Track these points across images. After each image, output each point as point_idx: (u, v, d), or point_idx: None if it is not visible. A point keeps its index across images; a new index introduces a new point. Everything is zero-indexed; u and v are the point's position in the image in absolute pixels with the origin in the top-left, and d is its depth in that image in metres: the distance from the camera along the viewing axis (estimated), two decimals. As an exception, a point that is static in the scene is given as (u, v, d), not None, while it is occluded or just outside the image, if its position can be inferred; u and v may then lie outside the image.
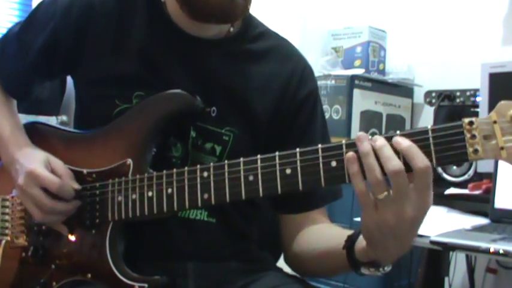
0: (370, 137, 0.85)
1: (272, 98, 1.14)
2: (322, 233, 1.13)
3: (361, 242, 0.95)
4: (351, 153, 0.85)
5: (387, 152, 0.82)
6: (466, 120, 0.81)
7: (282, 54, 1.18)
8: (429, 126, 0.83)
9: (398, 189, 0.82)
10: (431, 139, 0.83)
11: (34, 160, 1.08)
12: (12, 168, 1.11)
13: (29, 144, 1.15)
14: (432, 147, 0.82)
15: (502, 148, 0.80)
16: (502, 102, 0.80)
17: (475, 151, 0.81)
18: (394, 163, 0.81)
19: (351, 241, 0.98)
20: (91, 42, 1.11)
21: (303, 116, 1.16)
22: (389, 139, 0.84)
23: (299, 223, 1.15)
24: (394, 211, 0.83)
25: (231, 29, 1.15)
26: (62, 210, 1.06)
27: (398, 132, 0.85)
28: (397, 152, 0.83)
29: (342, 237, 1.00)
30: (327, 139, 1.20)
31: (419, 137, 0.83)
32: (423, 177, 0.81)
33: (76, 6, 1.12)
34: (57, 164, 1.09)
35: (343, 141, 0.87)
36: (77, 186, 1.08)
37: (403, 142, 0.82)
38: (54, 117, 2.68)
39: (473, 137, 0.81)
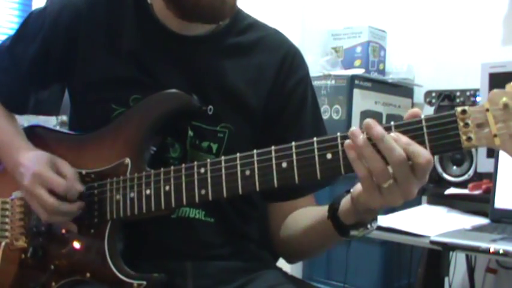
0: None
1: (264, 89, 1.14)
2: (305, 212, 1.14)
3: (343, 206, 0.98)
4: (347, 141, 0.86)
5: (387, 142, 0.83)
6: (459, 109, 0.82)
7: (272, 44, 1.18)
8: (422, 116, 0.84)
9: (403, 175, 0.83)
10: (425, 128, 0.83)
11: (39, 162, 1.08)
12: (16, 171, 1.11)
13: (31, 148, 1.14)
14: (426, 137, 0.83)
15: (495, 135, 0.80)
16: (495, 90, 0.81)
17: (469, 139, 0.81)
18: (397, 153, 0.82)
19: (333, 209, 1.00)
20: (83, 47, 1.12)
21: (293, 105, 1.16)
22: (386, 129, 0.84)
23: (286, 210, 1.16)
24: (401, 192, 0.85)
25: (220, 22, 1.14)
26: (66, 210, 1.06)
27: (392, 123, 0.85)
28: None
29: (325, 209, 1.02)
30: (320, 127, 1.20)
31: (413, 127, 0.84)
32: (426, 169, 0.83)
33: (64, 15, 1.12)
34: (63, 164, 1.09)
35: (338, 134, 0.88)
36: (80, 187, 1.07)
37: (402, 140, 0.83)
38: (54, 117, 2.68)
39: (466, 125, 0.81)
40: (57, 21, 1.13)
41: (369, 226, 0.98)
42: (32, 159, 1.09)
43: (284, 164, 0.91)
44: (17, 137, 1.17)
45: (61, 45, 1.13)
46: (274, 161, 0.92)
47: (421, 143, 0.83)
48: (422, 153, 0.82)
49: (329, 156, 0.88)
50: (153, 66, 1.11)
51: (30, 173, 1.07)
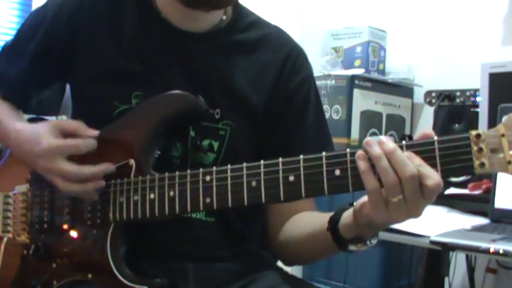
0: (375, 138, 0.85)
1: (267, 88, 1.14)
2: (306, 219, 1.13)
3: (344, 219, 0.97)
4: (360, 151, 0.85)
5: (400, 156, 0.82)
6: (474, 132, 0.80)
7: (275, 43, 1.17)
8: (435, 138, 0.82)
9: (413, 192, 0.82)
10: (437, 151, 0.82)
11: (41, 138, 1.04)
12: (25, 154, 1.08)
13: (26, 125, 1.12)
14: (438, 160, 0.82)
15: (509, 162, 0.79)
16: (511, 115, 0.79)
17: (482, 164, 0.80)
18: (409, 168, 0.81)
19: (334, 221, 0.99)
20: (84, 41, 1.11)
21: (295, 105, 1.15)
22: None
23: (286, 212, 1.15)
24: (408, 211, 0.84)
25: (224, 17, 1.14)
26: (89, 173, 1.02)
27: (404, 142, 0.84)
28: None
29: (325, 219, 1.01)
30: (323, 129, 1.19)
31: (425, 148, 0.82)
32: (435, 192, 0.82)
33: (66, 8, 1.12)
34: (64, 123, 1.07)
35: (348, 150, 0.87)
36: (94, 132, 1.05)
37: (415, 160, 0.82)
38: (53, 118, 2.68)
39: (480, 150, 0.80)
40: (58, 15, 1.13)
41: (368, 242, 0.97)
42: (32, 140, 1.05)
43: (291, 178, 0.89)
44: (13, 118, 1.14)
45: (62, 39, 1.12)
46: (281, 174, 0.90)
47: (433, 165, 0.82)
48: (433, 175, 0.81)
49: (337, 172, 0.87)
50: (155, 61, 1.10)
51: (39, 154, 1.03)
